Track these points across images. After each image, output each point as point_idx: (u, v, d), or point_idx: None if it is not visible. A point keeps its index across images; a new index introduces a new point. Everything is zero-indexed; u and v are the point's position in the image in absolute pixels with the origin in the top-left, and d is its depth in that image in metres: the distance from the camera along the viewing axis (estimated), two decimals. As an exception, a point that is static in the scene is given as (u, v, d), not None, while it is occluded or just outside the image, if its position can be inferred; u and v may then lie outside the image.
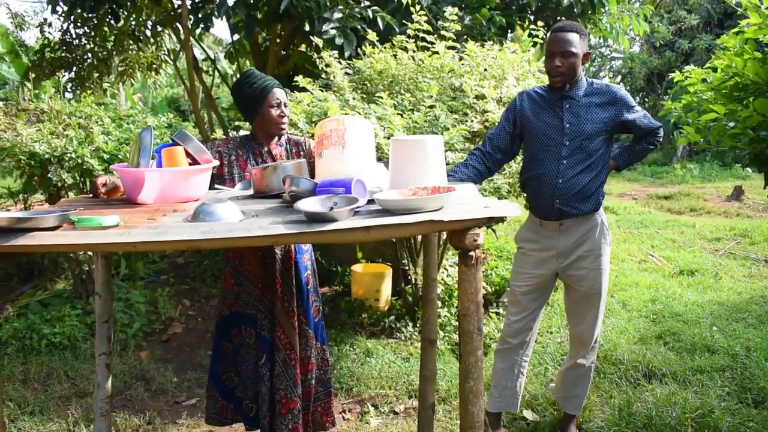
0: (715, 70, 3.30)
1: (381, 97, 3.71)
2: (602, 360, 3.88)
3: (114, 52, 7.31)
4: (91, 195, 2.45)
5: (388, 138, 3.40)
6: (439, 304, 4.47)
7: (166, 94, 19.69)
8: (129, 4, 6.34)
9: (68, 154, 4.30)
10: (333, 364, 3.15)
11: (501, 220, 1.73)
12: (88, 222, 1.73)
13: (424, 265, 2.59)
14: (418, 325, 4.47)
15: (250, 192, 2.40)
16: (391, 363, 3.96)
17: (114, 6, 6.20)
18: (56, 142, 4.36)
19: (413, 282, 4.63)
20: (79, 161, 4.31)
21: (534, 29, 4.73)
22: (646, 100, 20.39)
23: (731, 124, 2.83)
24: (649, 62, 18.28)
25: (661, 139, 3.03)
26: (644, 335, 4.32)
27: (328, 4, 5.07)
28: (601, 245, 2.91)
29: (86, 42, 7.08)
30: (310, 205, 1.83)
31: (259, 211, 1.99)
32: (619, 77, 21.03)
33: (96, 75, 7.41)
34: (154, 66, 8.23)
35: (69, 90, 7.85)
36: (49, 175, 4.34)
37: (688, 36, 17.23)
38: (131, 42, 7.28)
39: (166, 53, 8.34)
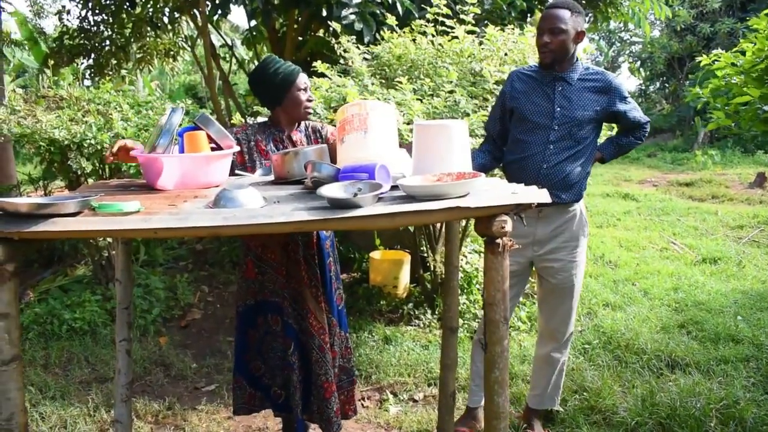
0: (743, 53, 3.21)
1: (400, 83, 3.66)
2: (624, 349, 3.83)
3: (132, 39, 7.33)
4: (110, 181, 2.44)
5: (408, 124, 3.36)
6: (459, 291, 4.44)
7: (184, 80, 19.70)
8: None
9: (87, 141, 4.30)
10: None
11: (529, 206, 1.68)
12: (109, 208, 1.71)
13: (446, 253, 2.55)
14: (437, 312, 4.44)
15: (271, 178, 2.36)
16: (410, 350, 3.94)
17: (131, -8, 6.21)
18: (75, 129, 4.36)
19: (432, 269, 4.60)
20: (99, 147, 4.32)
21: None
22: (667, 85, 20.12)
23: (765, 108, 2.75)
24: (669, 47, 18.01)
25: (647, 134, 2.95)
26: (666, 324, 4.26)
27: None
28: (579, 237, 2.84)
29: (104, 29, 7.10)
30: (333, 191, 1.80)
31: (280, 197, 1.96)
32: (639, 62, 20.77)
33: (114, 62, 7.44)
34: (172, 53, 8.24)
35: (88, 77, 7.88)
36: (68, 162, 4.35)
37: (710, 20, 16.92)
38: (149, 29, 7.29)
39: (184, 40, 8.32)
